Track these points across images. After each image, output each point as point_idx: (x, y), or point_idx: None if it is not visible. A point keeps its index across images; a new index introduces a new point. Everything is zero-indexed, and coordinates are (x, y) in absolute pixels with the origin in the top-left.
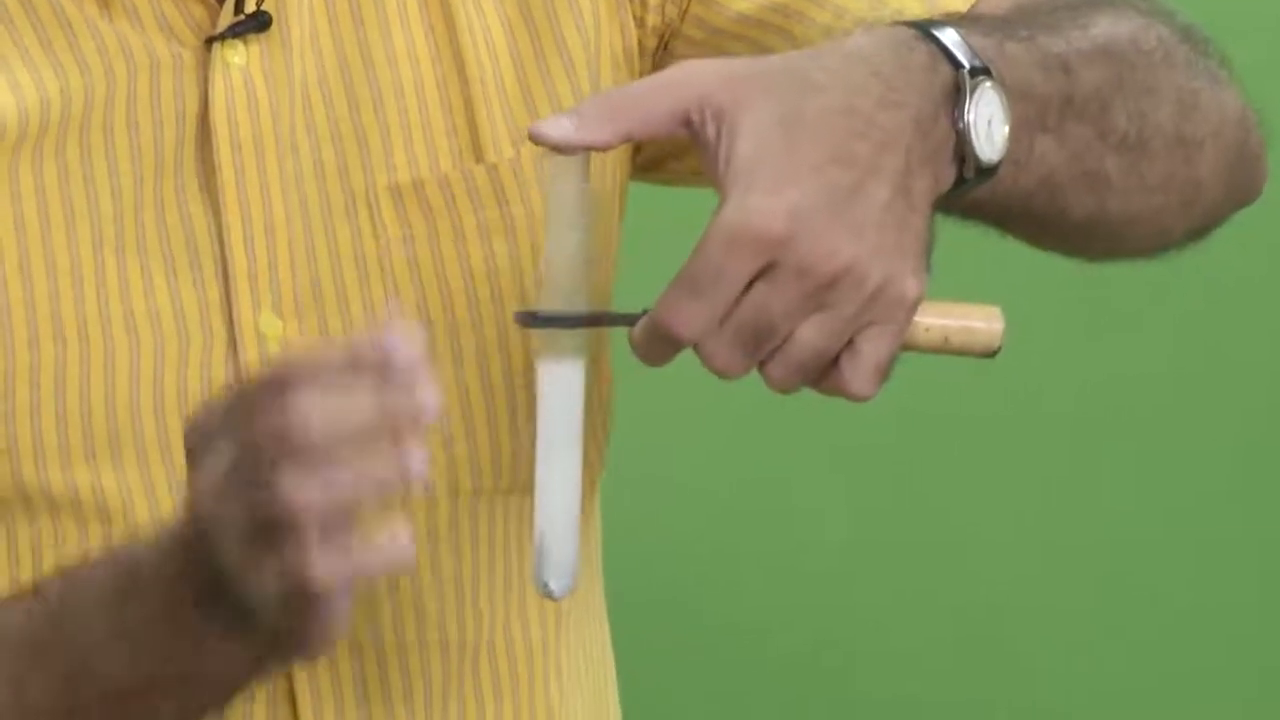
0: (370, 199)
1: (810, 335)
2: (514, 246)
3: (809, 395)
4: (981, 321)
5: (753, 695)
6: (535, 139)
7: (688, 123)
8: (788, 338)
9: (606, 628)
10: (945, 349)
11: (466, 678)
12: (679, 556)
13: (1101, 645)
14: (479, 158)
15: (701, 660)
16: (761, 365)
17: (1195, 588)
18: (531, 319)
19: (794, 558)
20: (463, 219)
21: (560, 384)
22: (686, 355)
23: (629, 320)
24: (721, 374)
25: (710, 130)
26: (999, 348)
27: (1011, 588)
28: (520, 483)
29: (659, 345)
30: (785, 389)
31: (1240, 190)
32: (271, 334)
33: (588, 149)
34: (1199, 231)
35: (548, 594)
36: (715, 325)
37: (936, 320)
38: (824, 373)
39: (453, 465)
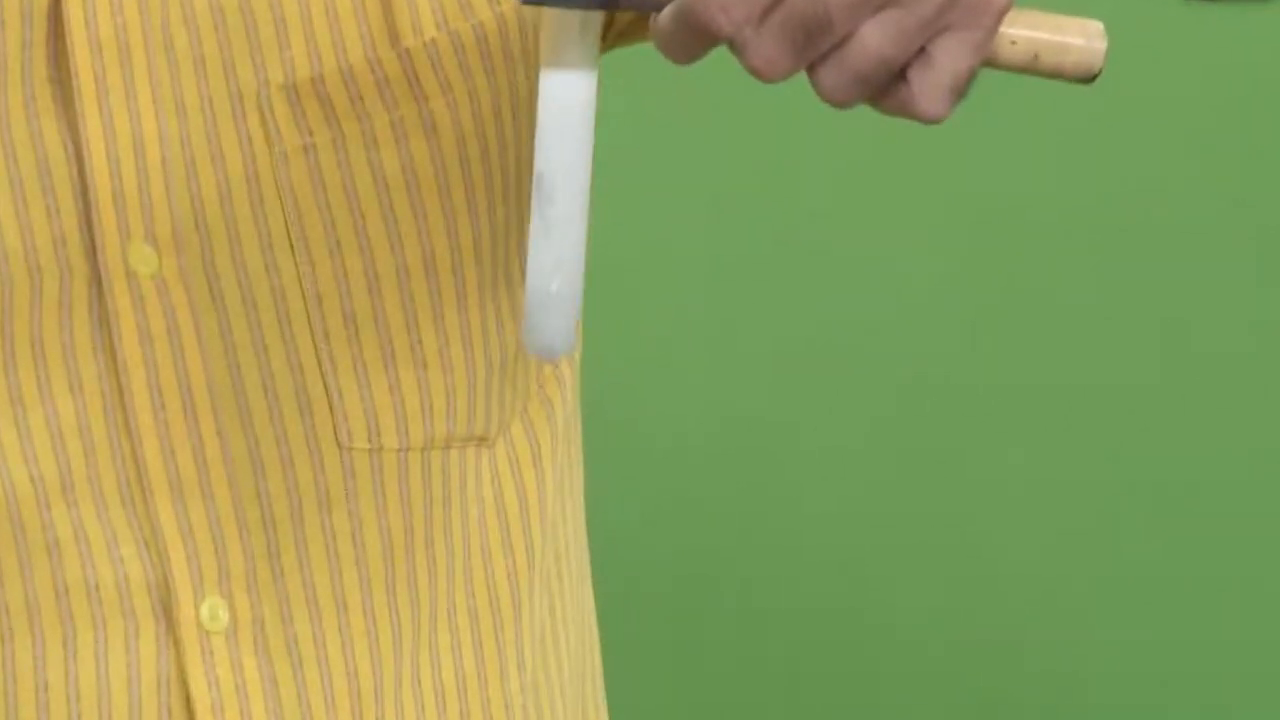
0: (262, 101)
1: (875, 37)
2: (436, 148)
3: (806, 399)
4: (1079, 38)
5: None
6: None
7: None
8: (847, 37)
9: (585, 538)
10: (1034, 68)
11: (423, 643)
12: (673, 551)
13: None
14: (393, 41)
15: (696, 654)
16: (812, 70)
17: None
18: None
19: (794, 555)
20: (373, 120)
21: (565, 102)
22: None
23: (655, 4)
24: (762, 74)
25: None
26: (1099, 71)
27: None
28: (464, 433)
29: (688, 37)
30: (840, 101)
31: None
32: (145, 270)
33: None
34: None
35: (546, 352)
36: (758, 14)
37: (1026, 32)
38: (888, 86)
39: (373, 413)
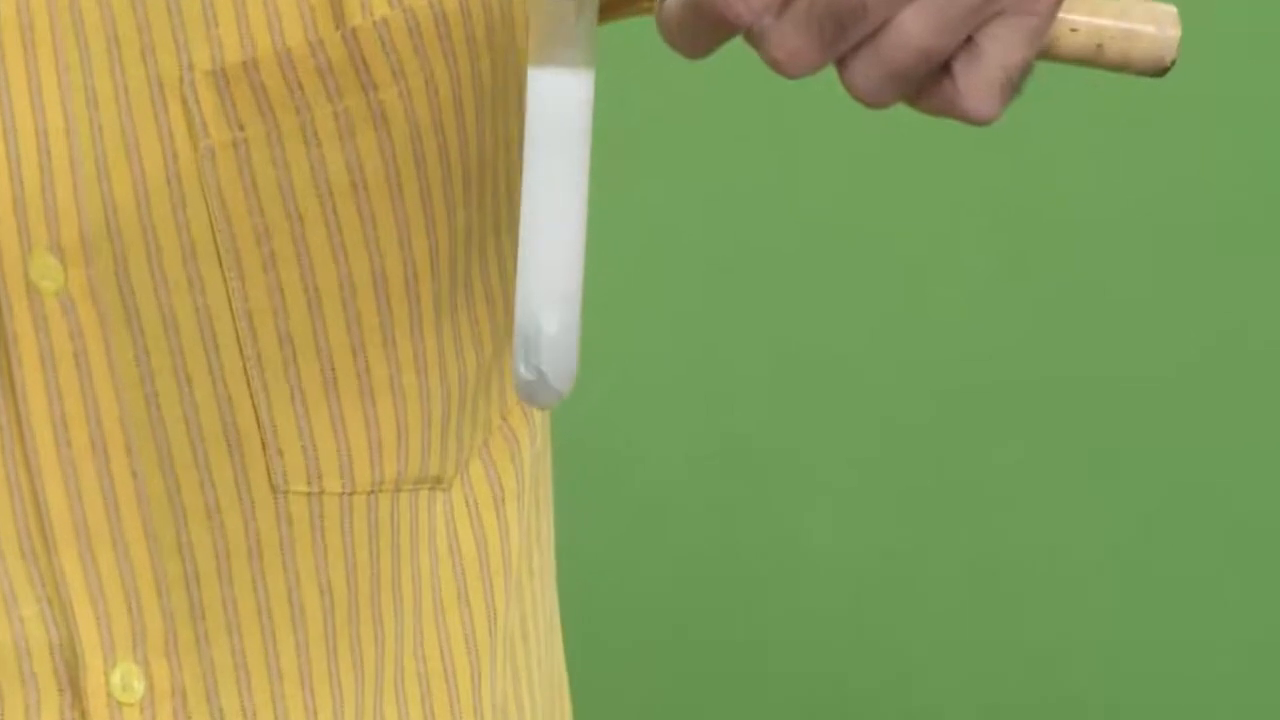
0: (186, 89)
1: (916, 25)
2: (387, 145)
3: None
4: (1149, 24)
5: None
6: None
7: None
8: (883, 26)
9: (554, 594)
10: (1098, 60)
11: (367, 715)
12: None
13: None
14: (338, 20)
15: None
16: (842, 63)
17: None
18: None
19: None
20: (314, 111)
21: (559, 105)
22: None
23: None
24: (784, 68)
25: None
26: (1173, 62)
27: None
28: (416, 474)
29: (700, 26)
30: (874, 100)
31: None
32: (48, 284)
33: None
34: None
35: (537, 402)
36: (781, 1)
37: (1088, 18)
38: (930, 82)
39: (312, 451)
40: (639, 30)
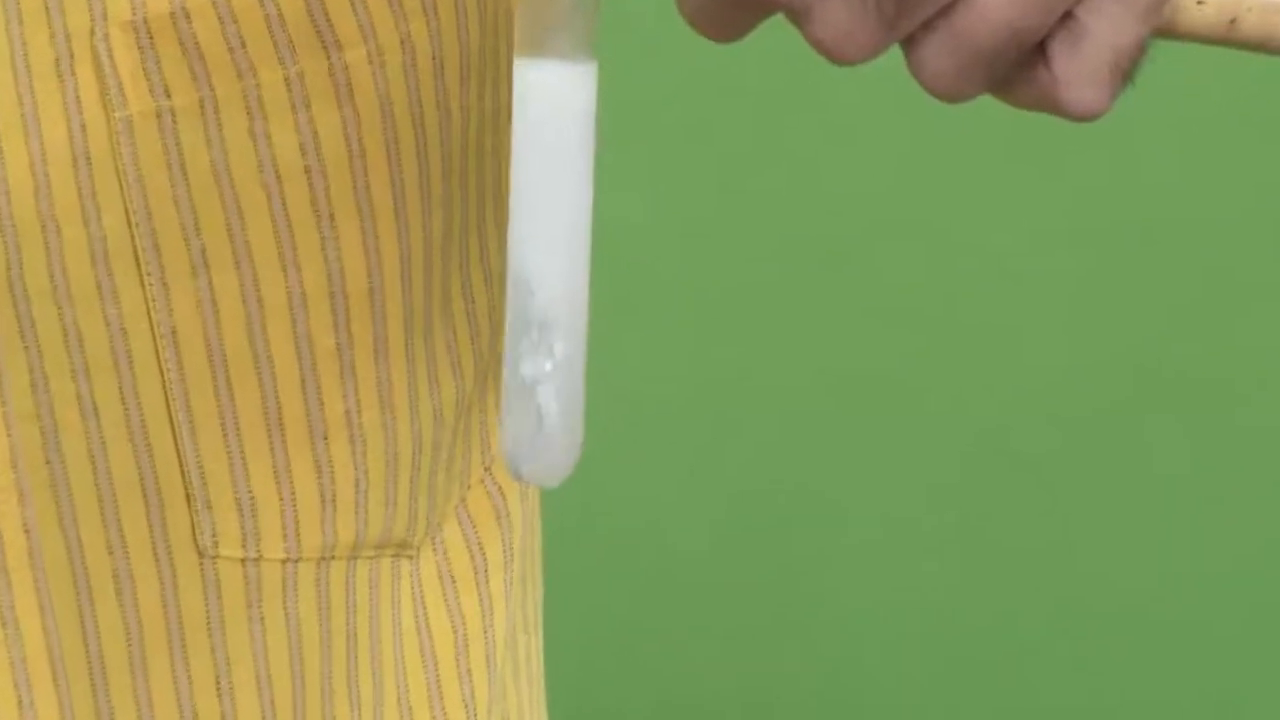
0: (98, 46)
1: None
2: (352, 121)
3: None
4: None
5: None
6: None
7: None
8: (960, 0)
9: (542, 691)
10: (1231, 39)
11: None
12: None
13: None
14: None
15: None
16: (911, 46)
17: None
18: None
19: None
20: (260, 75)
21: (554, 107)
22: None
23: None
24: (835, 52)
25: None
26: None
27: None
28: (377, 538)
29: (730, 3)
30: (951, 92)
31: None
32: None
33: None
34: None
35: (531, 478)
36: None
37: None
38: (1021, 69)
39: (249, 506)
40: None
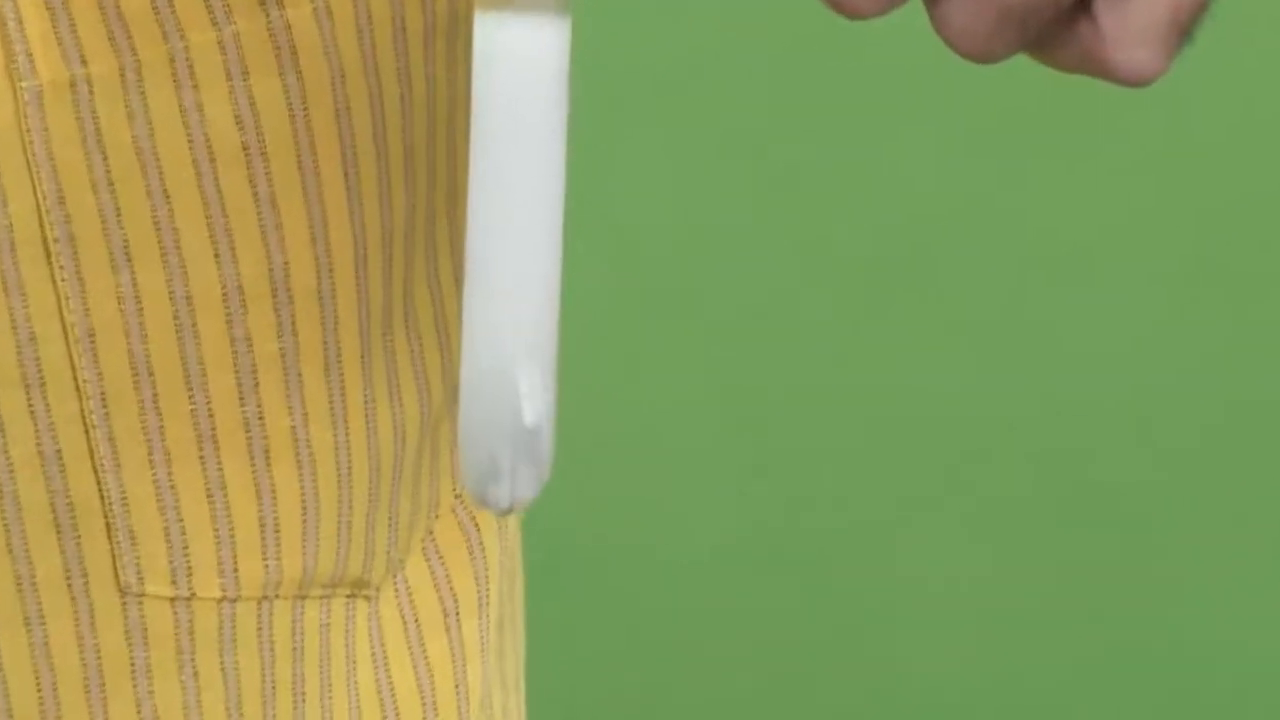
0: (3, 8)
1: None
2: (295, 86)
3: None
4: None
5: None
6: None
7: None
8: None
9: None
10: None
11: None
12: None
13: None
14: None
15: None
16: (934, 1)
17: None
18: None
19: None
20: (189, 38)
21: (522, 66)
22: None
23: None
24: (846, 3)
25: None
26: None
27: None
28: (328, 575)
29: None
30: (981, 49)
31: None
32: None
33: None
34: None
35: (492, 501)
36: None
37: None
38: (1062, 24)
39: (179, 538)
40: None
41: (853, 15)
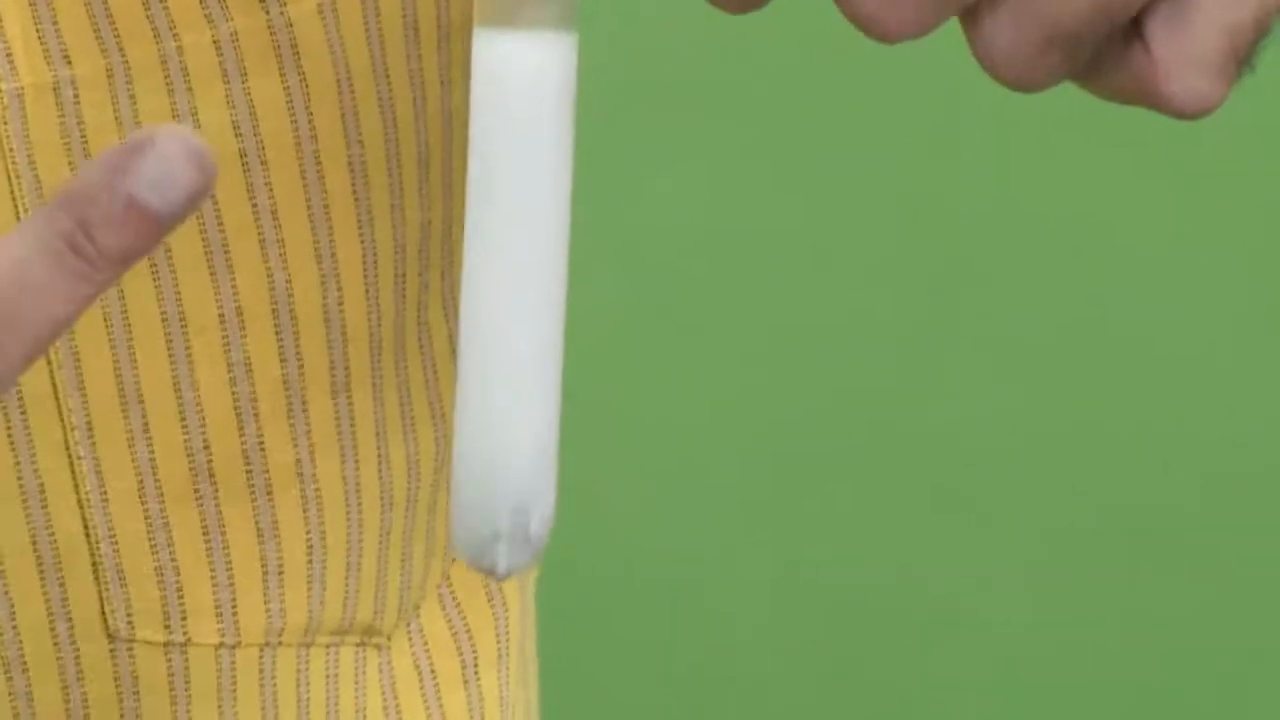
0: None
1: None
2: (298, 89)
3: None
4: None
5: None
6: None
7: None
8: None
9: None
10: None
11: None
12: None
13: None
14: None
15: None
16: (973, 22)
17: None
18: None
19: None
20: (183, 37)
21: (522, 89)
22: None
23: None
24: (879, 28)
25: None
26: None
27: None
28: (337, 621)
29: None
30: (1024, 78)
31: None
32: None
33: None
34: None
35: (488, 568)
36: None
37: None
38: (1112, 50)
39: (173, 578)
40: None
41: (884, 39)
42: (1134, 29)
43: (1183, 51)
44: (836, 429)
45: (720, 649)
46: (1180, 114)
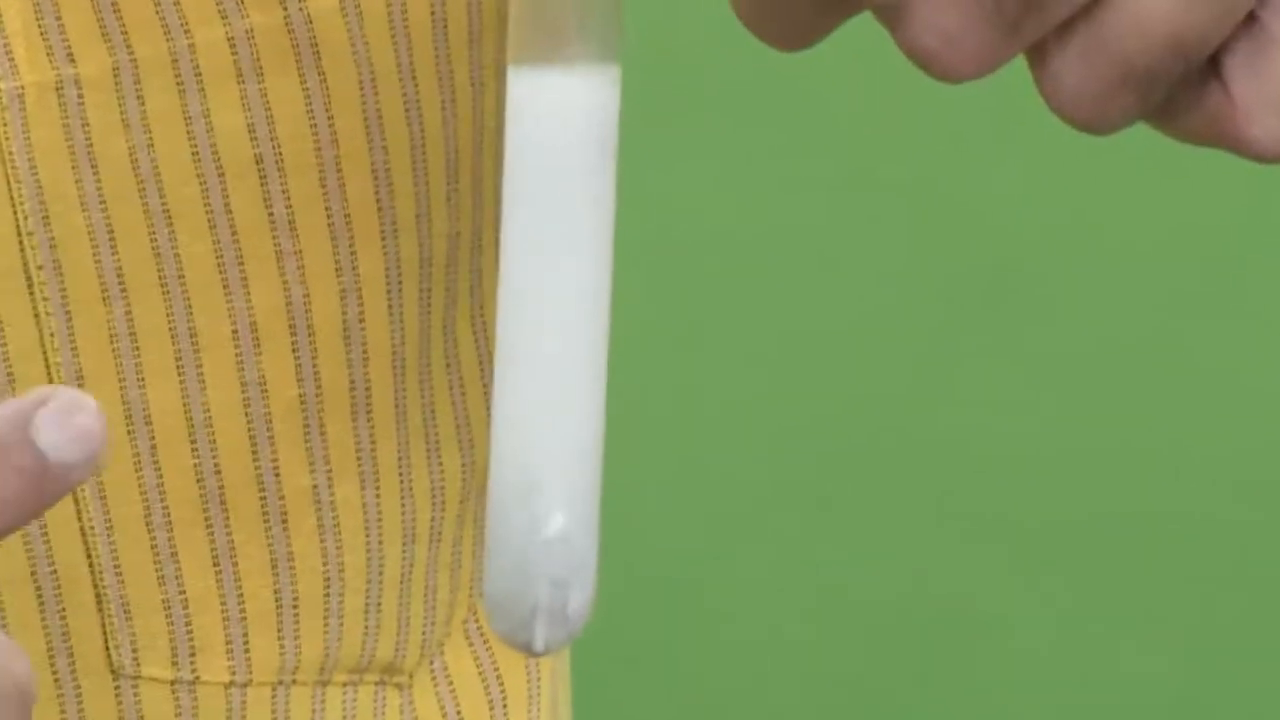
0: None
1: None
2: (318, 90)
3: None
4: None
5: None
6: None
7: None
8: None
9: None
10: None
11: None
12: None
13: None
14: None
15: None
16: (1040, 59)
17: None
18: None
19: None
20: (194, 34)
21: (561, 128)
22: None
23: None
24: (939, 61)
25: None
26: None
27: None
28: (355, 659)
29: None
30: (1095, 119)
31: None
32: None
33: None
34: None
35: (524, 645)
36: None
37: None
38: (1189, 89)
39: (180, 612)
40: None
41: (945, 78)
42: (1210, 68)
43: (1264, 92)
44: (845, 433)
45: (726, 650)
46: (1260, 157)
